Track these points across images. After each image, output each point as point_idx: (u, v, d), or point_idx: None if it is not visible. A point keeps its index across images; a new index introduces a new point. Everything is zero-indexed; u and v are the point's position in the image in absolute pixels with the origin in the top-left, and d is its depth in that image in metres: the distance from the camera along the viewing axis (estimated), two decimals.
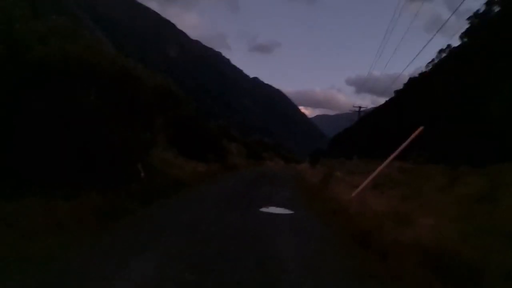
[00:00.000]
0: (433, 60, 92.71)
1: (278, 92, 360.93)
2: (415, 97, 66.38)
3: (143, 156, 13.18)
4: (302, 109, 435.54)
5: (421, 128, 11.23)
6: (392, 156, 11.41)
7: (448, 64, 58.38)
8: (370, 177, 11.30)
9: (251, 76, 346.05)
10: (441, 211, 9.06)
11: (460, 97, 39.15)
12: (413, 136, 11.16)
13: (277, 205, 10.36)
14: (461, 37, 40.16)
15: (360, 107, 52.02)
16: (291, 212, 9.45)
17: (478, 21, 36.05)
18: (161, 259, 4.80)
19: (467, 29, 38.94)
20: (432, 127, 41.44)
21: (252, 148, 45.75)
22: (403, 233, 6.73)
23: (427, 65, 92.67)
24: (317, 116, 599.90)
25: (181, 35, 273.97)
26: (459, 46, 41.81)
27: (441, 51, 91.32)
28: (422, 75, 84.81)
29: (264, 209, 9.52)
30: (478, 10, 35.75)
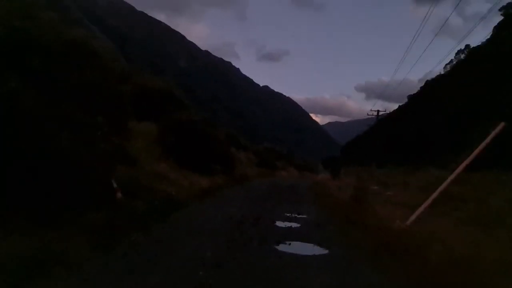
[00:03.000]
0: (451, 61, 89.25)
1: (288, 100, 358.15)
2: (434, 101, 62.72)
3: (119, 169, 10.21)
4: (313, 116, 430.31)
5: (502, 124, 8.02)
6: (464, 163, 8.18)
7: (473, 62, 54.69)
8: (434, 195, 8.08)
9: (261, 84, 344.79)
10: None
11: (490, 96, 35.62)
12: (492, 136, 7.95)
13: (302, 238, 7.23)
14: (496, 27, 36.64)
15: (378, 111, 48.54)
16: (325, 251, 6.31)
17: None
18: None
19: (502, 21, 35.49)
20: (459, 129, 37.81)
21: (264, 157, 42.54)
22: None
23: (444, 67, 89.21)
24: (328, 123, 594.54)
25: (190, 46, 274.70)
26: (492, 38, 38.18)
27: (459, 52, 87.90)
28: (441, 77, 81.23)
29: (284, 247, 6.41)
30: None
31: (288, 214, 10.15)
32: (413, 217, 7.58)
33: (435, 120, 52.34)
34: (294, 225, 8.68)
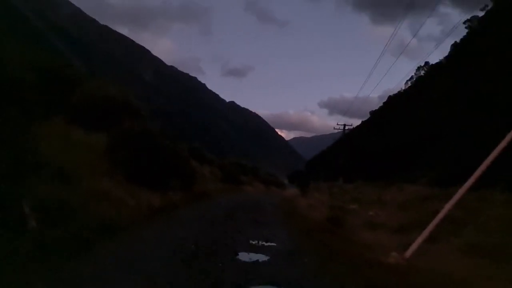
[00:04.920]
0: (411, 77, 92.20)
1: (255, 116, 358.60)
2: (398, 115, 63.52)
3: (42, 189, 8.08)
4: (279, 131, 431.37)
5: None
6: (470, 181, 6.66)
7: (435, 78, 55.78)
8: (436, 220, 6.48)
9: (228, 100, 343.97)
10: None
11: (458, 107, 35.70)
12: (502, 145, 6.50)
13: (273, 279, 5.41)
14: (454, 45, 37.22)
15: (344, 125, 47.94)
16: None
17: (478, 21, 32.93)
18: None
19: (467, 34, 35.94)
20: (429, 143, 37.61)
21: (229, 171, 40.44)
22: None
23: (406, 83, 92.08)
24: (294, 139, 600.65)
25: (156, 61, 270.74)
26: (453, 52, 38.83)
27: (419, 68, 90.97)
28: (404, 92, 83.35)
29: None
30: (485, 7, 32.05)
31: (254, 242, 8.29)
32: (412, 248, 5.92)
33: (400, 135, 52.60)
34: (261, 257, 6.84)
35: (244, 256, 6.91)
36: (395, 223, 9.11)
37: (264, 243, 8.27)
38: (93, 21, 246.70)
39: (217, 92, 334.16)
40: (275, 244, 8.16)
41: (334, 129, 49.28)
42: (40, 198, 8.23)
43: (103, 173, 13.27)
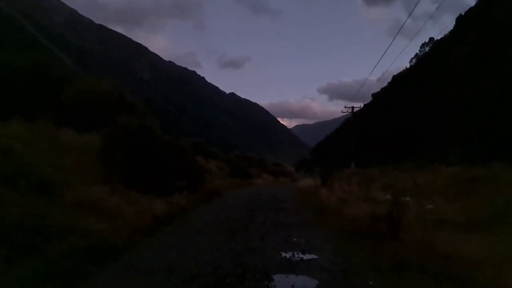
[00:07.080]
0: (416, 54, 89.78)
1: (255, 106, 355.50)
2: (406, 94, 61.23)
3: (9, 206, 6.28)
4: (281, 120, 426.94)
5: None
6: None
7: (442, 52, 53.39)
8: None
9: (227, 92, 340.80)
10: None
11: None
12: None
13: None
14: (458, 18, 34.93)
15: (353, 107, 45.78)
16: None
17: None
18: None
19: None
20: (449, 121, 35.55)
21: (236, 165, 38.67)
22: None
23: (410, 60, 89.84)
24: (296, 127, 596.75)
25: (153, 58, 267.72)
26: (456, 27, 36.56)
27: (424, 45, 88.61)
28: (409, 70, 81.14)
29: None
30: None
31: (287, 254, 6.41)
32: None
33: (412, 114, 50.45)
34: (307, 282, 4.96)
35: (281, 282, 5.03)
36: (462, 217, 7.20)
37: (301, 255, 6.37)
38: (88, 22, 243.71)
39: (216, 85, 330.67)
40: (316, 257, 6.24)
41: (342, 112, 47.16)
42: (14, 218, 6.49)
43: (96, 179, 11.42)
